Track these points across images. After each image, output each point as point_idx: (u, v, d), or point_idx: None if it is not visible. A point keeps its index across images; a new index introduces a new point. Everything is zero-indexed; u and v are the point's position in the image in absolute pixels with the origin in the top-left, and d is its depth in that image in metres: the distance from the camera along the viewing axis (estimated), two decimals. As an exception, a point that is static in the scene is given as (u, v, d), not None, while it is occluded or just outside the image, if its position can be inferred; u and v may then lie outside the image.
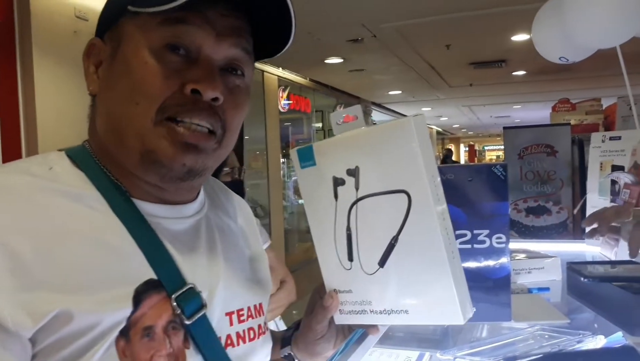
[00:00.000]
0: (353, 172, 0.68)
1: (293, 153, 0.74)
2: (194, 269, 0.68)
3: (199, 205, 0.76)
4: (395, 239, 0.67)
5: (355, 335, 0.81)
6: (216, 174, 1.82)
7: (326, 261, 0.75)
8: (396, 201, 0.65)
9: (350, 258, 0.72)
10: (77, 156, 0.68)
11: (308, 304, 0.80)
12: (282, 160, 7.39)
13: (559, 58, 2.40)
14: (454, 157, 21.26)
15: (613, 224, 1.11)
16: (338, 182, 0.70)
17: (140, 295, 0.60)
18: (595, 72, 6.77)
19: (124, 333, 0.58)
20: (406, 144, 0.63)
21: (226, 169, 1.85)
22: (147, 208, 0.68)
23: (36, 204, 0.60)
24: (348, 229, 0.71)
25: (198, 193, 0.77)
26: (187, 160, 0.64)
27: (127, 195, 0.67)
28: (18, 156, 3.27)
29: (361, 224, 0.70)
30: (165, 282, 0.63)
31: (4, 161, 3.12)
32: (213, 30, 0.64)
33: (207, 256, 0.72)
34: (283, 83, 7.24)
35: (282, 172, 7.48)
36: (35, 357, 0.56)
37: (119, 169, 0.67)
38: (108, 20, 0.69)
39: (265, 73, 6.68)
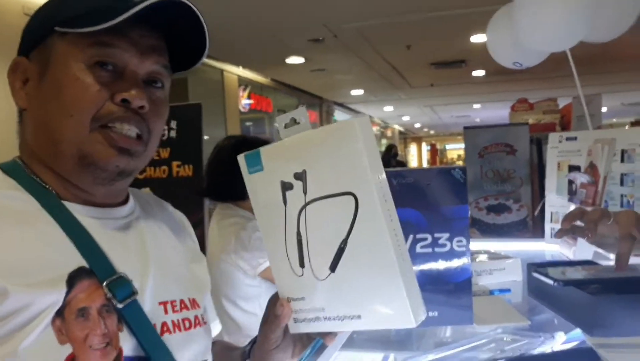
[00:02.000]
0: (300, 176, 0.68)
1: (240, 159, 0.73)
2: (124, 262, 0.72)
3: (129, 209, 0.81)
4: (344, 243, 0.65)
5: (317, 343, 0.79)
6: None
7: (278, 269, 0.73)
8: (344, 204, 0.64)
9: (302, 264, 0.70)
10: (8, 167, 0.74)
11: (264, 313, 0.80)
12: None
13: (513, 63, 2.47)
14: (409, 157, 21.52)
15: (577, 223, 1.11)
16: (286, 186, 0.69)
17: (73, 279, 0.65)
18: (551, 73, 6.94)
19: (60, 313, 0.63)
20: (351, 146, 0.63)
21: None
22: (77, 208, 0.73)
23: None
24: (298, 234, 0.70)
25: (127, 199, 0.82)
26: (120, 162, 0.72)
27: (57, 197, 0.72)
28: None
29: (311, 228, 0.69)
30: (96, 270, 0.68)
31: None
32: (137, 50, 0.73)
33: (136, 252, 0.77)
34: (243, 82, 7.18)
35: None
36: None
37: (49, 177, 0.74)
38: (34, 40, 0.75)
39: (225, 72, 6.60)
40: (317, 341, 0.78)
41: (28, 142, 0.76)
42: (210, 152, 2.24)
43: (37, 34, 0.75)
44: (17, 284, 0.61)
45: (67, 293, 0.64)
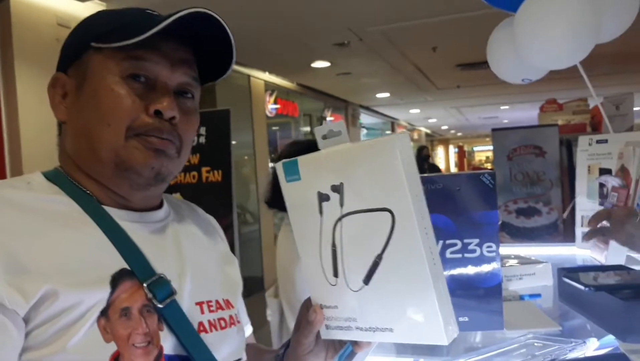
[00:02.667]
0: (338, 189, 0.68)
1: (279, 166, 0.74)
2: (162, 264, 0.76)
3: (164, 213, 0.85)
4: (379, 258, 0.66)
5: (347, 348, 0.80)
6: None
7: (312, 276, 0.75)
8: (380, 219, 0.65)
9: (336, 274, 0.71)
10: (51, 175, 0.79)
11: (297, 318, 0.82)
12: (270, 165, 7.37)
13: (522, 80, 2.39)
14: (436, 160, 21.20)
15: (605, 224, 1.10)
16: (323, 197, 0.70)
17: (116, 280, 0.69)
18: (580, 73, 6.82)
19: (104, 313, 0.66)
20: (390, 163, 0.63)
21: None
22: (116, 213, 0.77)
23: (15, 208, 0.69)
24: (333, 245, 0.71)
25: (162, 204, 0.86)
26: (155, 163, 0.75)
27: (98, 202, 0.77)
28: (2, 173, 3.22)
29: (346, 240, 0.69)
30: (137, 271, 0.71)
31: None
32: (167, 62, 0.77)
33: (173, 253, 0.80)
34: (270, 87, 7.22)
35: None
36: (28, 335, 0.64)
37: (89, 183, 0.78)
38: (71, 56, 0.79)
39: (251, 78, 6.65)
40: (348, 346, 0.79)
41: (68, 152, 0.80)
42: (237, 157, 2.22)
43: (74, 50, 0.79)
44: (65, 283, 0.65)
45: (111, 293, 0.68)
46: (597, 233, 1.12)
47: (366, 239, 0.67)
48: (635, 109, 3.01)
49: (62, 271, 0.66)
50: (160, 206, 0.86)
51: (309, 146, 2.04)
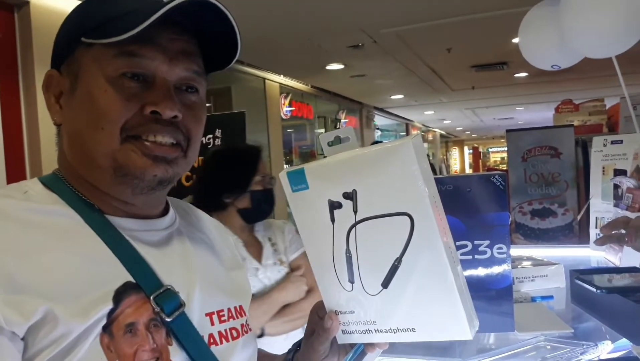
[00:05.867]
0: (350, 196, 0.68)
1: (283, 176, 0.72)
2: (169, 275, 0.71)
3: (169, 220, 0.80)
4: (398, 261, 0.66)
5: (358, 348, 0.81)
6: (248, 182, 1.77)
7: (325, 283, 0.74)
8: (398, 223, 0.65)
9: (351, 280, 0.71)
10: (49, 181, 0.73)
11: (307, 324, 0.81)
12: (285, 167, 7.38)
13: (551, 66, 2.35)
14: (451, 161, 21.02)
15: (622, 231, 1.09)
16: (334, 205, 0.69)
17: (120, 295, 0.64)
18: (596, 73, 6.74)
19: (107, 330, 0.62)
20: (406, 166, 0.63)
21: (258, 177, 1.84)
22: (120, 222, 0.72)
23: (12, 221, 0.64)
24: (348, 252, 0.70)
25: (167, 209, 0.81)
26: (157, 171, 0.69)
27: (99, 211, 0.71)
28: (22, 176, 3.27)
29: (361, 246, 0.69)
30: (143, 284, 0.67)
31: (8, 182, 3.11)
32: (166, 56, 0.69)
33: (181, 263, 0.76)
34: (285, 90, 7.24)
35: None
36: (27, 358, 0.60)
37: (89, 190, 0.72)
38: (63, 52, 0.73)
39: (266, 80, 6.69)
40: (359, 346, 0.79)
41: (66, 156, 0.74)
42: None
43: (65, 46, 0.73)
44: (65, 308, 0.60)
45: (114, 309, 0.63)
46: (610, 239, 1.11)
47: (383, 244, 0.67)
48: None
49: (62, 291, 0.61)
50: (166, 211, 0.80)
51: (236, 152, 1.95)
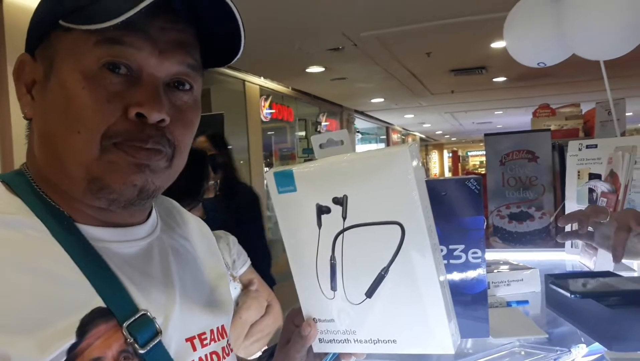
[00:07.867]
0: (340, 201, 0.65)
1: (269, 176, 0.68)
2: (147, 295, 0.63)
3: (150, 227, 0.71)
4: (385, 271, 0.64)
5: (333, 355, 0.79)
6: (198, 191, 1.72)
7: (305, 290, 0.72)
8: (387, 232, 0.63)
9: (334, 288, 0.69)
10: (13, 182, 0.63)
11: (282, 332, 0.78)
12: (265, 170, 7.36)
13: (537, 63, 2.33)
14: (430, 165, 21.24)
15: (589, 229, 1.10)
16: (323, 210, 0.67)
17: (85, 326, 0.56)
18: (573, 78, 6.84)
19: None
20: (401, 175, 0.61)
21: (210, 183, 1.77)
22: (93, 233, 0.63)
23: None
24: (332, 258, 0.68)
25: (149, 214, 0.73)
26: (137, 180, 0.60)
27: (70, 220, 0.62)
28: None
29: (347, 254, 0.67)
30: (115, 310, 0.59)
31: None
32: (155, 48, 0.60)
33: (160, 280, 0.68)
34: (265, 92, 7.21)
35: (265, 182, 7.44)
36: None
37: (59, 194, 0.63)
38: (38, 35, 0.63)
39: (246, 82, 6.65)
40: (333, 354, 0.78)
41: (35, 155, 0.65)
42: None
43: (41, 28, 0.63)
44: (20, 346, 0.52)
45: (77, 343, 0.55)
46: (571, 235, 1.12)
47: (370, 253, 0.65)
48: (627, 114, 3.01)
49: (17, 328, 0.52)
50: (148, 215, 0.72)
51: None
